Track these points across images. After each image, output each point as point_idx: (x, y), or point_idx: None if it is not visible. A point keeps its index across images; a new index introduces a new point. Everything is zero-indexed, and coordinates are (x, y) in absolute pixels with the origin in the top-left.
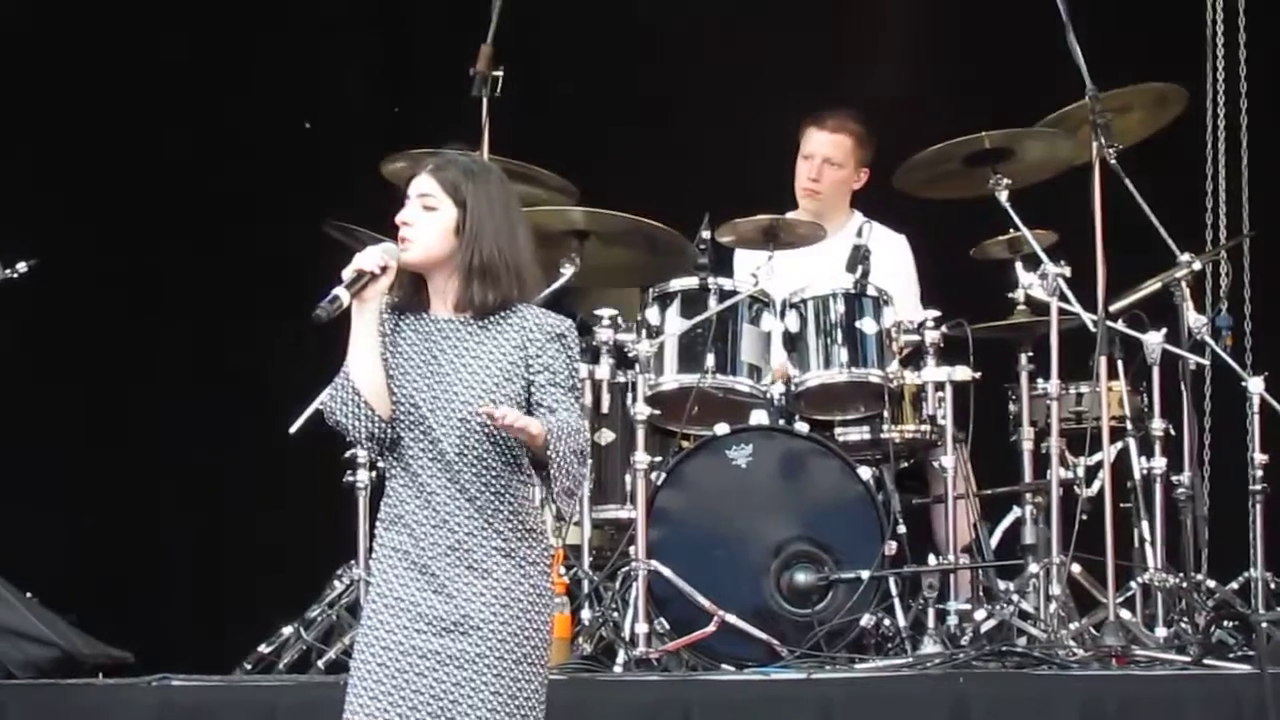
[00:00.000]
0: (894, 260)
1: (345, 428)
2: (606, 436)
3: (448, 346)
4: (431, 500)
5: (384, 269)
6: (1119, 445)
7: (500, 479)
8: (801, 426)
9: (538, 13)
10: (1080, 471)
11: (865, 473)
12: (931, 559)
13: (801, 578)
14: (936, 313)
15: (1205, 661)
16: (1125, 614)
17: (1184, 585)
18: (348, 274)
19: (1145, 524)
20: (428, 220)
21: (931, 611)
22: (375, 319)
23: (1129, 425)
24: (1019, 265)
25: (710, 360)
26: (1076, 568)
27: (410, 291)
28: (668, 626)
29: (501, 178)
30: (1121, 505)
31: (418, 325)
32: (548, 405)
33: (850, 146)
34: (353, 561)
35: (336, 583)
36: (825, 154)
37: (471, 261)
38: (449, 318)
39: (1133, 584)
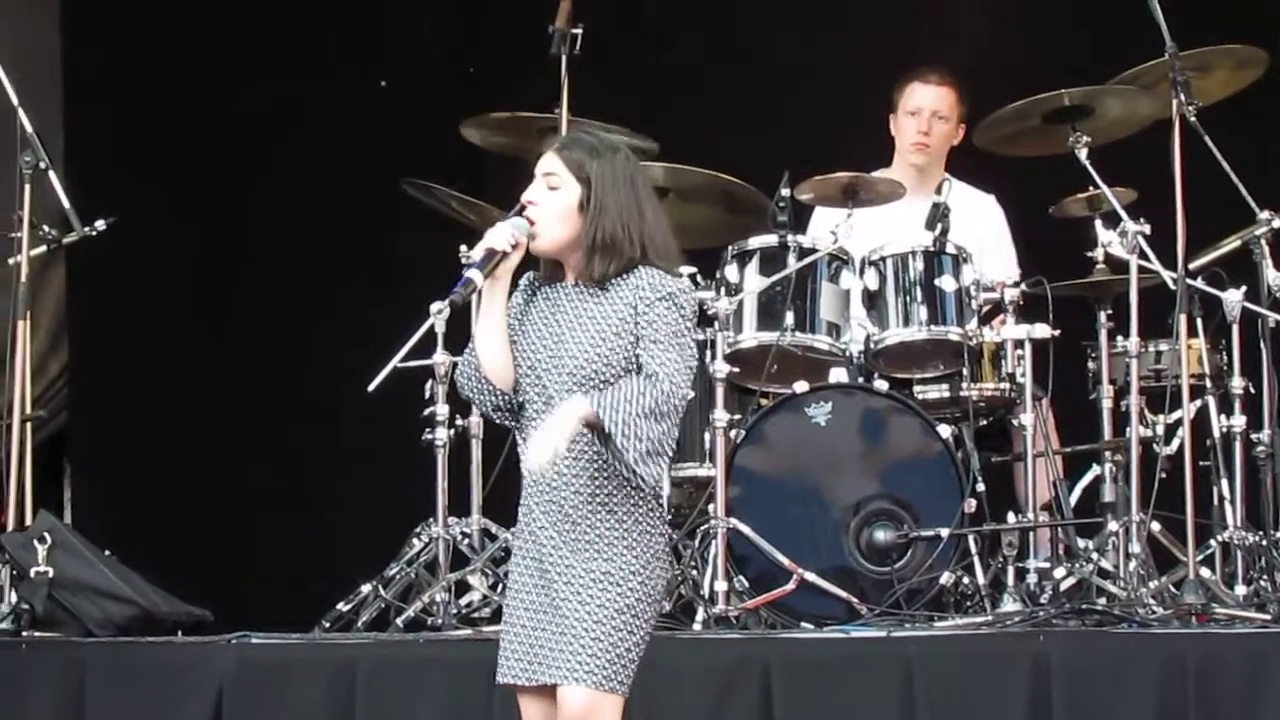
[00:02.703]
0: (983, 220)
1: (473, 401)
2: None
3: (569, 309)
4: None
5: (515, 246)
6: (1198, 403)
7: None
8: (881, 384)
9: None
10: (1160, 429)
11: (945, 431)
12: (1011, 517)
13: (881, 535)
14: (1017, 271)
15: None
16: (1205, 572)
17: (1264, 543)
18: (478, 254)
19: (1225, 482)
20: (551, 200)
21: (1011, 569)
22: (504, 296)
23: (1208, 383)
24: (1098, 223)
25: (789, 318)
26: (1156, 526)
27: (551, 267)
28: (747, 584)
29: (628, 155)
30: (1201, 463)
31: (549, 294)
32: (642, 363)
33: (954, 100)
34: (431, 520)
35: (415, 540)
36: (933, 108)
37: (595, 238)
38: (576, 285)
39: (1212, 542)
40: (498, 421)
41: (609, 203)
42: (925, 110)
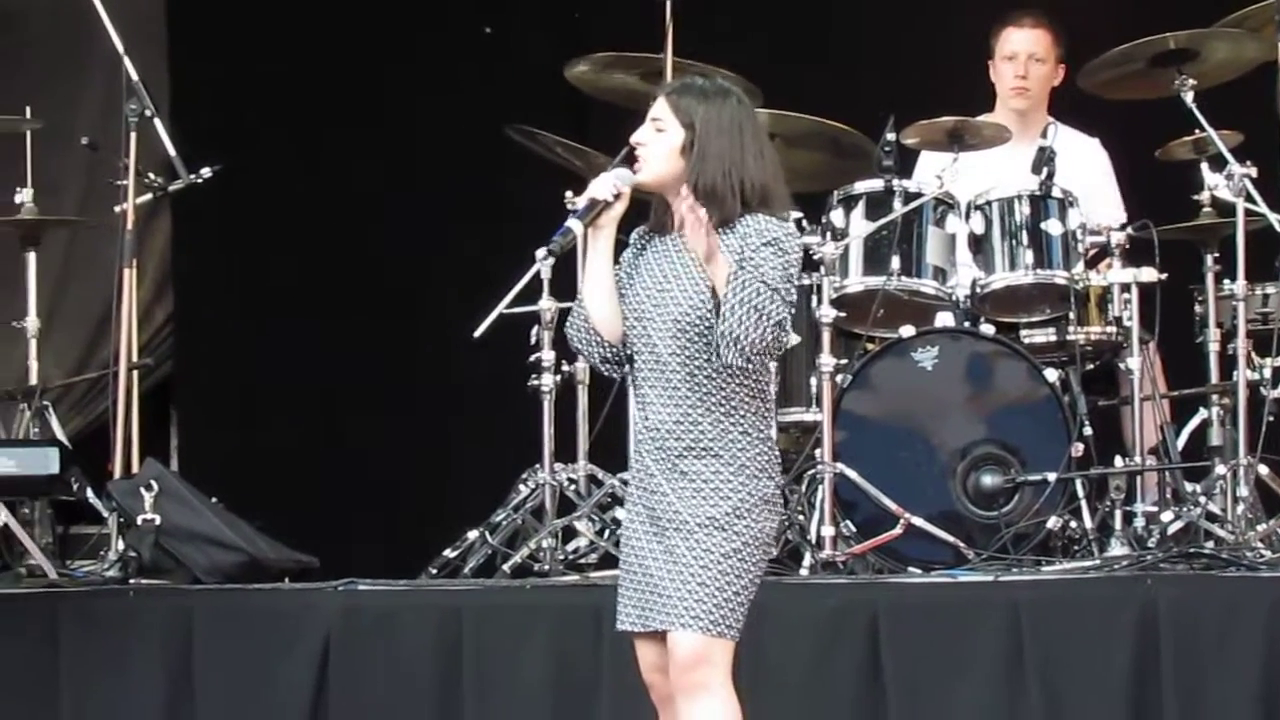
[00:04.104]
0: (1088, 163)
1: (582, 353)
2: (791, 339)
3: (675, 258)
4: (648, 407)
5: (618, 196)
6: None
7: (712, 380)
8: (987, 328)
9: None
10: (1267, 373)
11: (1051, 375)
12: (1118, 461)
13: (988, 480)
14: (1122, 214)
15: None
16: None
17: None
18: (581, 203)
19: None
20: (656, 141)
21: (1118, 514)
22: (608, 247)
23: None
24: (1205, 166)
25: (895, 262)
26: (1264, 469)
27: (661, 213)
28: (854, 529)
29: (740, 99)
30: None
31: (659, 245)
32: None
33: (1050, 41)
34: (537, 466)
35: (522, 486)
36: (1029, 50)
37: (696, 183)
38: (682, 234)
39: None
40: (606, 373)
41: (710, 149)
42: (1021, 54)
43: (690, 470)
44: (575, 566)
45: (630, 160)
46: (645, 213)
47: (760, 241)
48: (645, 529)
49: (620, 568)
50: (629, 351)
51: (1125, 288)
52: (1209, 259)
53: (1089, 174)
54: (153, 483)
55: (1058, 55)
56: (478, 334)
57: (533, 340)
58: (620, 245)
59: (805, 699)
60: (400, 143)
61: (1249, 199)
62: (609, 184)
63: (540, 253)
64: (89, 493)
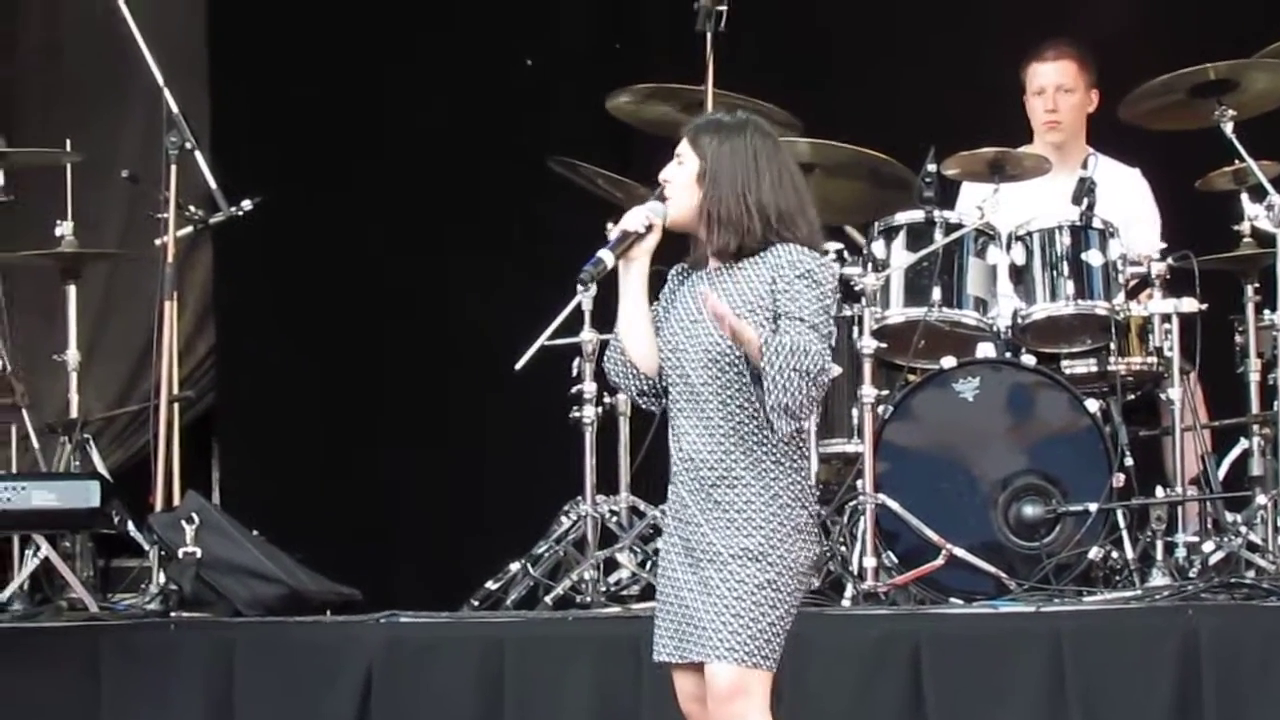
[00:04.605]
0: (1128, 194)
1: (620, 386)
2: (833, 370)
3: (708, 290)
4: (682, 438)
5: (649, 228)
6: None
7: (745, 410)
8: (1028, 359)
9: None
10: None
11: (1092, 405)
12: (1159, 491)
13: (1029, 511)
14: (1163, 245)
15: None
16: None
17: None
18: (614, 234)
19: None
20: (676, 174)
21: (1160, 544)
22: (643, 278)
23: None
24: (1245, 197)
25: (936, 293)
26: None
27: (697, 250)
28: (896, 560)
29: (758, 128)
30: None
31: (693, 280)
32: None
33: (1075, 70)
34: (579, 497)
35: (563, 518)
36: (1056, 82)
37: (710, 210)
38: (716, 266)
39: None
40: (644, 406)
41: (722, 177)
42: (1049, 87)
43: (724, 500)
44: (617, 598)
45: (664, 195)
46: (686, 247)
47: (794, 274)
48: (680, 560)
49: (656, 599)
50: (666, 384)
51: (1166, 318)
52: (1249, 289)
53: (1130, 204)
54: (194, 515)
55: (1087, 82)
56: (519, 366)
57: (574, 372)
58: (656, 277)
59: None
60: (442, 175)
61: None
62: (641, 216)
63: (578, 285)
64: (130, 526)
